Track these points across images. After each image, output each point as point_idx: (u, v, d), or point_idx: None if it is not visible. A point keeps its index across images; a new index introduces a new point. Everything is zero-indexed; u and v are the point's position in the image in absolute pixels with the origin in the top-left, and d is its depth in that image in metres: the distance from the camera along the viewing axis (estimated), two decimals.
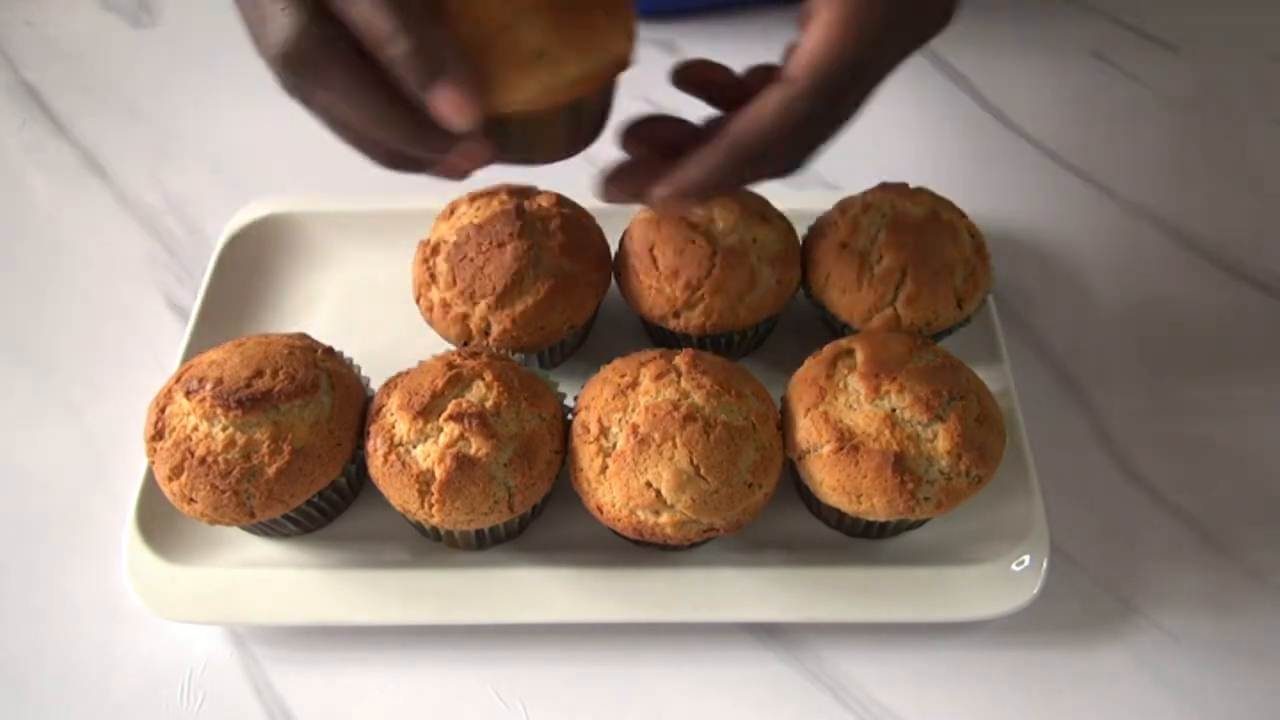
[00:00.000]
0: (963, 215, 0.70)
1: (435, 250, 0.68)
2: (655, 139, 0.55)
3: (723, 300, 0.66)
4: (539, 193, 0.70)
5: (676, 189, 0.50)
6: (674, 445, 0.56)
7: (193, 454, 0.57)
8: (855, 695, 0.60)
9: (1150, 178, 0.89)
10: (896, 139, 0.91)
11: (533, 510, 0.61)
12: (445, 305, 0.67)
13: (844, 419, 0.59)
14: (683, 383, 0.59)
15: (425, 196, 0.76)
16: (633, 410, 0.58)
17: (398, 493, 0.58)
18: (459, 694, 0.61)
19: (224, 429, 0.57)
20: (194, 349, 0.71)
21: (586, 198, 0.74)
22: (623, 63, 0.51)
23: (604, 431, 0.58)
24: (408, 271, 0.71)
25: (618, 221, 0.73)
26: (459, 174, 0.50)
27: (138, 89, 0.98)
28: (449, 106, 0.45)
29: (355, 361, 0.66)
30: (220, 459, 0.57)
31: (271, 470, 0.57)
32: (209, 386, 0.58)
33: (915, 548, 0.64)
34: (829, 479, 0.58)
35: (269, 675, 0.61)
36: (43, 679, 0.61)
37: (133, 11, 1.07)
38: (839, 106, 0.50)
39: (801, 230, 0.72)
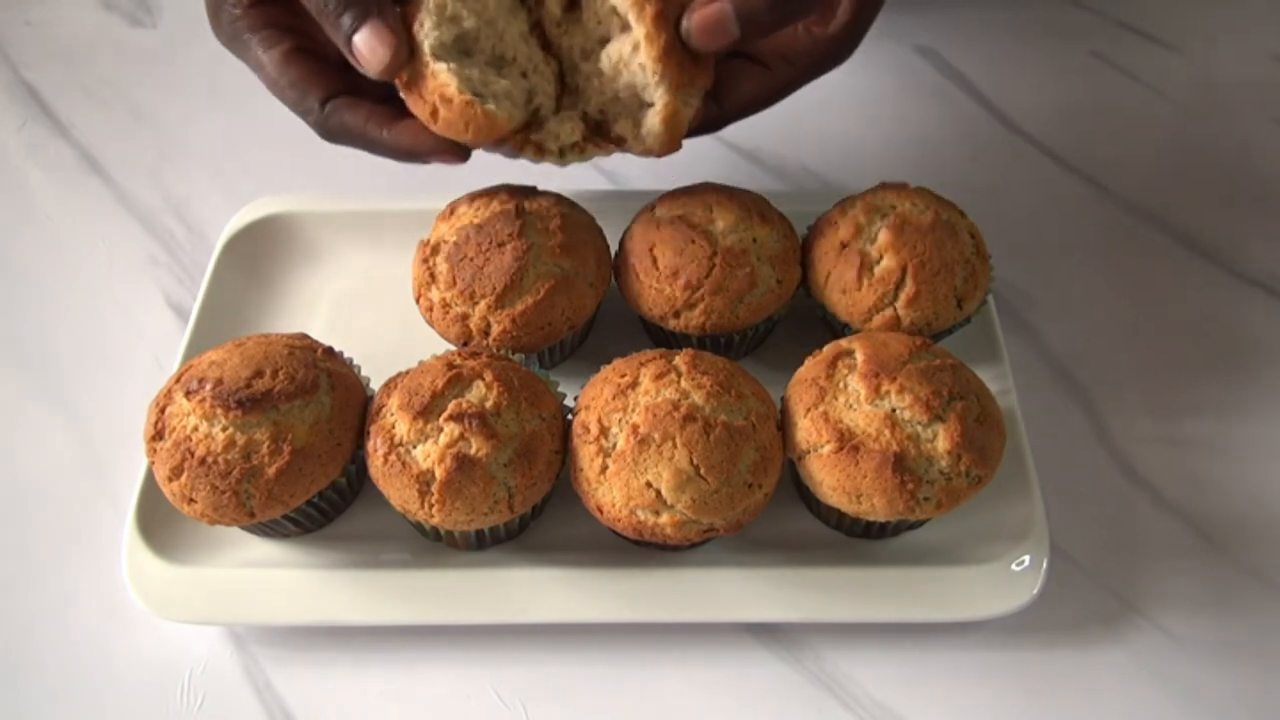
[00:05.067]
0: (963, 215, 0.70)
1: (435, 250, 0.68)
2: None
3: (723, 300, 0.66)
4: (539, 193, 0.70)
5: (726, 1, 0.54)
6: (674, 445, 0.56)
7: (193, 454, 0.57)
8: (855, 695, 0.60)
9: (1150, 178, 0.89)
10: (896, 139, 0.91)
11: (533, 510, 0.61)
12: (445, 305, 0.67)
13: (844, 419, 0.59)
14: (683, 383, 0.59)
15: (425, 197, 0.76)
16: (633, 410, 0.58)
17: (398, 493, 0.58)
18: (459, 694, 0.61)
19: (224, 429, 0.57)
20: (194, 349, 0.71)
21: (586, 198, 0.74)
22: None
23: (604, 431, 0.58)
24: (408, 271, 0.71)
25: (618, 221, 0.73)
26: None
27: (138, 89, 0.98)
28: (365, 49, 0.55)
29: (355, 361, 0.66)
30: (220, 459, 0.57)
31: (271, 470, 0.57)
32: (209, 386, 0.58)
33: (915, 548, 0.64)
34: (829, 479, 0.58)
35: (269, 675, 0.61)
36: (43, 679, 0.61)
37: (133, 11, 1.07)
38: None
39: (801, 230, 0.72)
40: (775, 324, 0.73)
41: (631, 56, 0.59)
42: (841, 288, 0.67)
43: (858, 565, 0.62)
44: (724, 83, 0.63)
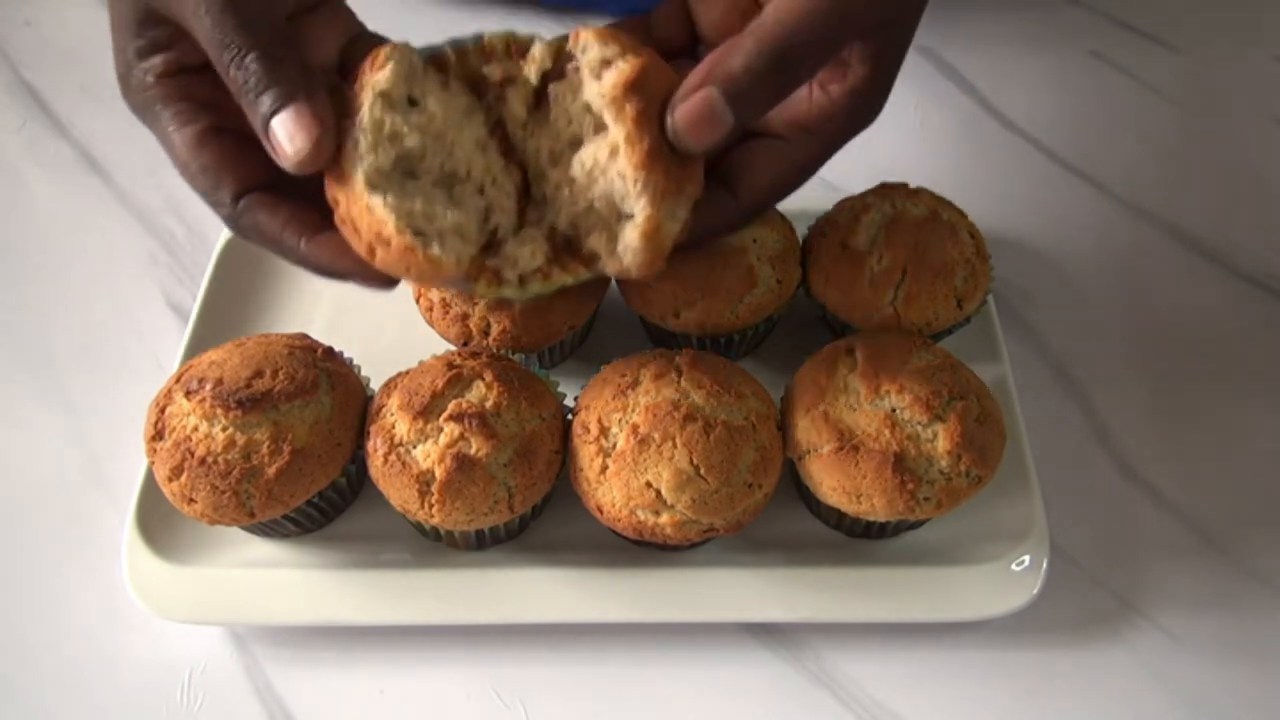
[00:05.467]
0: (963, 215, 0.70)
1: None
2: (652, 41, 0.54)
3: (722, 300, 0.66)
4: None
5: (712, 83, 0.46)
6: (674, 445, 0.56)
7: (193, 454, 0.57)
8: (855, 695, 0.60)
9: (1150, 178, 0.89)
10: (896, 139, 0.91)
11: (533, 510, 0.61)
12: (445, 305, 0.67)
13: (844, 419, 0.59)
14: (683, 383, 0.59)
15: None
16: (633, 410, 0.58)
17: (398, 493, 0.58)
18: (459, 694, 0.61)
19: (224, 429, 0.57)
20: (194, 349, 0.71)
21: None
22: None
23: (604, 431, 0.58)
24: None
25: None
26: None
27: None
28: (282, 134, 0.46)
29: (355, 361, 0.66)
30: (220, 459, 0.57)
31: (271, 470, 0.57)
32: (209, 387, 0.58)
33: (915, 548, 0.64)
34: (829, 479, 0.58)
35: (269, 675, 0.61)
36: (43, 679, 0.61)
37: None
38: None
39: (801, 230, 0.72)
40: (775, 324, 0.73)
41: (609, 163, 0.50)
42: (841, 288, 0.67)
43: (858, 565, 0.62)
44: (736, 168, 0.53)
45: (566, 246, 0.54)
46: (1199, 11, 1.04)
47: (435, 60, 0.52)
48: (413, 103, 0.50)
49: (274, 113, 0.46)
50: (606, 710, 0.60)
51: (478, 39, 0.53)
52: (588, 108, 0.52)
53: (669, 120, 0.48)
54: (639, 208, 0.50)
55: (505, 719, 0.60)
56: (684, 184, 0.51)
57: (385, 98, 0.49)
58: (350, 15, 0.57)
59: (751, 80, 0.46)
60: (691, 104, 0.47)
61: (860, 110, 0.52)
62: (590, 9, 1.02)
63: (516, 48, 0.53)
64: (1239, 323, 0.78)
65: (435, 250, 0.48)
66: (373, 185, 0.48)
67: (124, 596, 0.62)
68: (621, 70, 0.49)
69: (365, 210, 0.47)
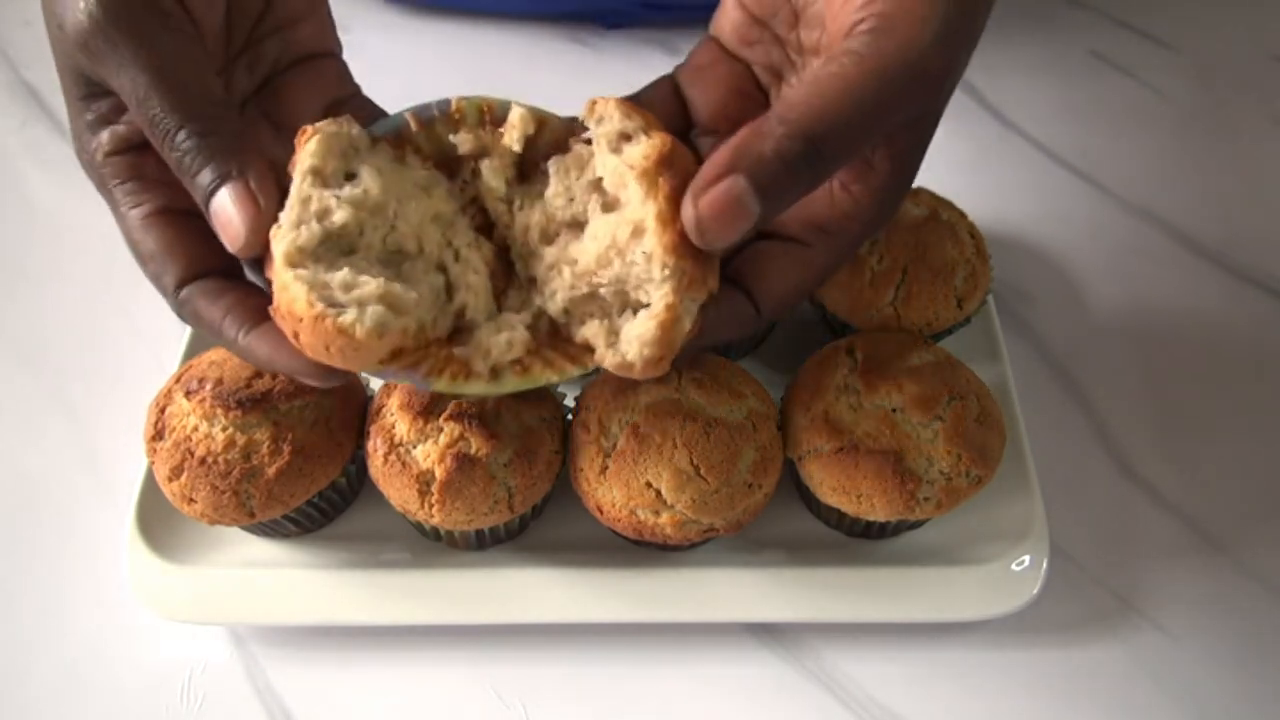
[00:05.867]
0: (963, 215, 0.70)
1: None
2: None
3: None
4: None
5: (740, 171, 0.41)
6: (674, 445, 0.56)
7: (193, 454, 0.57)
8: (855, 695, 0.60)
9: (1150, 178, 0.89)
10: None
11: (533, 510, 0.61)
12: None
13: (844, 419, 0.59)
14: (683, 382, 0.59)
15: None
16: (633, 410, 0.58)
17: (398, 493, 0.58)
18: (459, 694, 0.61)
19: (224, 429, 0.57)
20: (194, 349, 0.71)
21: None
22: None
23: (604, 431, 0.58)
24: None
25: None
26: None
27: None
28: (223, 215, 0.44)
29: None
30: (220, 459, 0.57)
31: (271, 470, 0.57)
32: (209, 387, 0.58)
33: (915, 548, 0.64)
34: (829, 479, 0.58)
35: (269, 675, 0.61)
36: (43, 679, 0.61)
37: None
38: (919, 84, 0.43)
39: None
40: (775, 324, 0.73)
41: (630, 243, 0.46)
42: (841, 288, 0.67)
43: (858, 565, 0.62)
44: (752, 272, 0.49)
45: (552, 337, 0.50)
46: (1199, 11, 1.04)
47: (397, 133, 0.50)
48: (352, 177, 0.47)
49: (212, 191, 0.44)
50: (606, 710, 0.60)
51: (444, 105, 0.50)
52: (596, 185, 0.48)
53: (688, 209, 0.42)
54: (660, 295, 0.45)
55: (505, 719, 0.60)
56: (707, 277, 0.46)
57: (316, 174, 0.46)
58: (342, 72, 0.55)
59: (782, 168, 0.41)
60: (718, 192, 0.41)
61: (884, 209, 0.48)
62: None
63: (490, 115, 0.50)
64: (1239, 323, 0.78)
65: (346, 318, 0.42)
66: (292, 263, 0.44)
67: (124, 596, 0.62)
68: (653, 144, 0.45)
69: (284, 289, 0.43)
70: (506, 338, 0.48)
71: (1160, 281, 0.81)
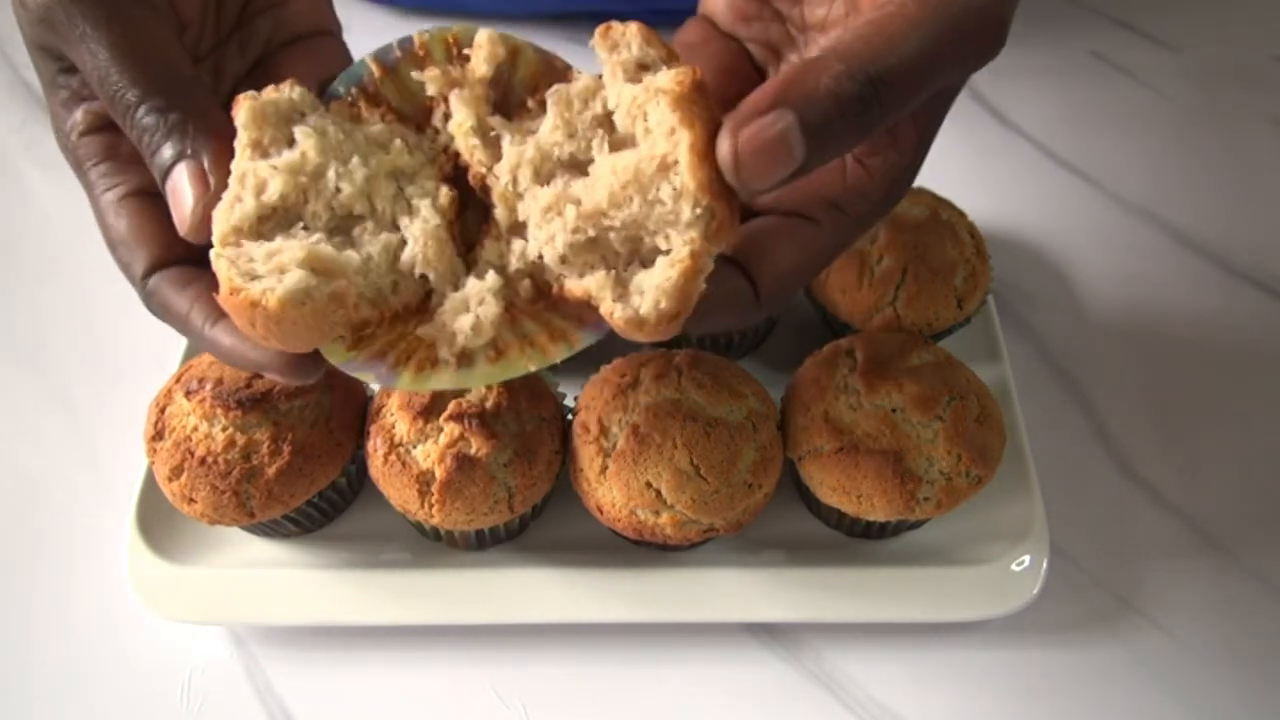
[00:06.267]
0: (963, 215, 0.70)
1: None
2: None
3: None
4: None
5: (789, 104, 0.36)
6: (674, 445, 0.56)
7: (193, 454, 0.57)
8: (855, 695, 0.60)
9: (1150, 177, 0.89)
10: None
11: (533, 510, 0.61)
12: None
13: (844, 419, 0.59)
14: (683, 382, 0.59)
15: None
16: (633, 410, 0.58)
17: (398, 493, 0.58)
18: (459, 694, 0.61)
19: (224, 429, 0.57)
20: (194, 349, 0.71)
21: None
22: None
23: (604, 431, 0.58)
24: None
25: None
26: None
27: None
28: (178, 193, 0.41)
29: None
30: (220, 459, 0.57)
31: (271, 470, 0.57)
32: (209, 386, 0.58)
33: (915, 548, 0.64)
34: (829, 479, 0.58)
35: (269, 675, 0.61)
36: (43, 679, 0.61)
37: None
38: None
39: None
40: (775, 324, 0.73)
41: (655, 178, 0.39)
42: (841, 288, 0.67)
43: (858, 565, 0.62)
44: (753, 250, 0.44)
45: (536, 302, 0.43)
46: (1199, 11, 1.04)
47: (360, 87, 0.46)
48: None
49: (168, 170, 0.41)
50: (607, 710, 0.60)
51: (406, 43, 0.45)
52: (604, 120, 0.43)
53: (724, 143, 0.37)
54: (684, 240, 0.39)
55: (505, 719, 0.60)
56: (732, 225, 0.40)
57: (255, 146, 0.42)
58: (341, 51, 0.52)
59: (836, 109, 0.36)
60: (762, 125, 0.36)
61: (899, 185, 0.44)
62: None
63: (458, 48, 0.45)
64: (1238, 323, 0.78)
65: (255, 289, 0.38)
66: (225, 243, 0.40)
67: (124, 596, 0.62)
68: (684, 70, 0.39)
69: (216, 273, 0.40)
70: (472, 320, 0.42)
71: (1160, 281, 0.81)
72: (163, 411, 0.59)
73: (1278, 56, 1.00)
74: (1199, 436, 0.71)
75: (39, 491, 0.70)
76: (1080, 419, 0.72)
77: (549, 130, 0.43)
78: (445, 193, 0.44)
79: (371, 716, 0.60)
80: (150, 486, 0.63)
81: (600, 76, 0.43)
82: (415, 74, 0.45)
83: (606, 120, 0.43)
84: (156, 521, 0.63)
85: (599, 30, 0.42)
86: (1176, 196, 0.87)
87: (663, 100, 0.39)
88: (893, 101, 0.37)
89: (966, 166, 0.90)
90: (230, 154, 0.42)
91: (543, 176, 0.43)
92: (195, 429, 0.57)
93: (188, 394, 0.58)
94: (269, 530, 0.63)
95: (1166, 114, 0.95)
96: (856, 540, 0.64)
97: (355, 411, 0.62)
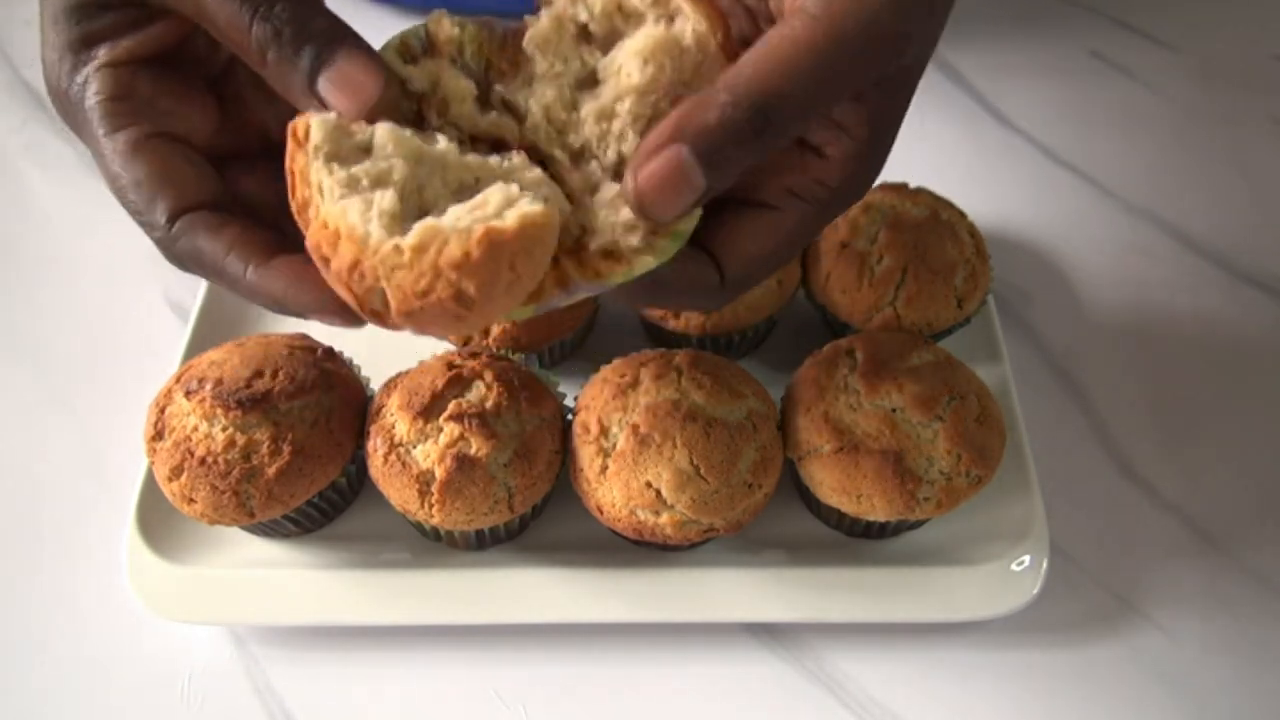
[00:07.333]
0: (963, 215, 0.70)
1: None
2: None
3: None
4: None
5: (682, 139, 0.38)
6: (674, 445, 0.56)
7: (193, 454, 0.57)
8: (855, 695, 0.60)
9: (1150, 177, 0.89)
10: (896, 139, 0.91)
11: (533, 510, 0.61)
12: None
13: (844, 419, 0.59)
14: (683, 382, 0.59)
15: None
16: (633, 410, 0.58)
17: (398, 493, 0.58)
18: (459, 694, 0.61)
19: (224, 429, 0.57)
20: (194, 349, 0.71)
21: None
22: None
23: (604, 431, 0.58)
24: None
25: None
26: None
27: None
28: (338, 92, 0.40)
29: (355, 361, 0.66)
30: (220, 459, 0.57)
31: (271, 470, 0.57)
32: (209, 386, 0.58)
33: (915, 548, 0.64)
34: (829, 479, 0.58)
35: (269, 675, 0.61)
36: (43, 679, 0.61)
37: None
38: (878, 44, 0.40)
39: None
40: (775, 324, 0.73)
41: (672, 38, 0.42)
42: (841, 288, 0.67)
43: (858, 565, 0.62)
44: (718, 236, 0.45)
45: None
46: (1199, 11, 1.04)
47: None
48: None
49: (320, 67, 0.40)
50: (606, 710, 0.60)
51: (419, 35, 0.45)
52: (583, 33, 0.44)
53: (628, 182, 0.39)
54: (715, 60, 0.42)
55: (505, 719, 0.60)
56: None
57: (333, 156, 0.39)
58: None
59: (728, 137, 0.38)
60: (658, 164, 0.38)
61: (858, 175, 0.45)
62: None
63: (407, 50, 0.45)
64: (1239, 323, 0.78)
65: (529, 206, 0.37)
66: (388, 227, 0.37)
67: (124, 596, 0.62)
68: None
69: (430, 230, 0.36)
70: (614, 203, 0.41)
71: (1160, 281, 0.81)
72: (163, 411, 0.59)
73: (1278, 56, 1.00)
74: (1199, 436, 0.71)
75: (39, 491, 0.70)
76: (1080, 419, 0.72)
77: (547, 68, 0.44)
78: (514, 155, 0.43)
79: (371, 716, 0.60)
80: (150, 486, 0.63)
81: (548, 7, 0.44)
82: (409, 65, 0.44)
83: (586, 30, 0.44)
84: (156, 521, 0.63)
85: None
86: (1176, 196, 0.87)
87: None
88: (785, 123, 0.39)
89: (966, 166, 0.90)
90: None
91: (571, 103, 0.44)
92: (195, 429, 0.57)
93: (188, 394, 0.58)
94: (269, 530, 0.63)
95: (1166, 114, 0.95)
96: (856, 540, 0.64)
97: (355, 411, 0.62)
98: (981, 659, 0.61)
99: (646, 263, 0.41)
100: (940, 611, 0.60)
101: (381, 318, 0.38)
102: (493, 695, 0.60)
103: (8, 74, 1.00)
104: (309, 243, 0.38)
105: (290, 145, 0.40)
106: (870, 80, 0.42)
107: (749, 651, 0.62)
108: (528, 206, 0.37)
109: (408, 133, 0.41)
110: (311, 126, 0.39)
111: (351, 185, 0.38)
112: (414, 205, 0.40)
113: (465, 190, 0.41)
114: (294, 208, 0.39)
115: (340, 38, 0.41)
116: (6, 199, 0.89)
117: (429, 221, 0.36)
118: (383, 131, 0.40)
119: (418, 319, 0.37)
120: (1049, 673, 0.61)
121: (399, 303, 0.37)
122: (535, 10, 0.45)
